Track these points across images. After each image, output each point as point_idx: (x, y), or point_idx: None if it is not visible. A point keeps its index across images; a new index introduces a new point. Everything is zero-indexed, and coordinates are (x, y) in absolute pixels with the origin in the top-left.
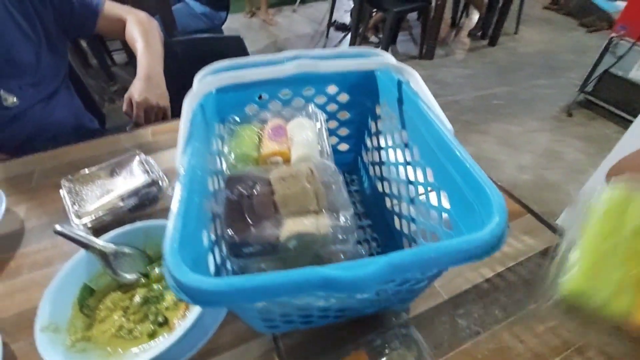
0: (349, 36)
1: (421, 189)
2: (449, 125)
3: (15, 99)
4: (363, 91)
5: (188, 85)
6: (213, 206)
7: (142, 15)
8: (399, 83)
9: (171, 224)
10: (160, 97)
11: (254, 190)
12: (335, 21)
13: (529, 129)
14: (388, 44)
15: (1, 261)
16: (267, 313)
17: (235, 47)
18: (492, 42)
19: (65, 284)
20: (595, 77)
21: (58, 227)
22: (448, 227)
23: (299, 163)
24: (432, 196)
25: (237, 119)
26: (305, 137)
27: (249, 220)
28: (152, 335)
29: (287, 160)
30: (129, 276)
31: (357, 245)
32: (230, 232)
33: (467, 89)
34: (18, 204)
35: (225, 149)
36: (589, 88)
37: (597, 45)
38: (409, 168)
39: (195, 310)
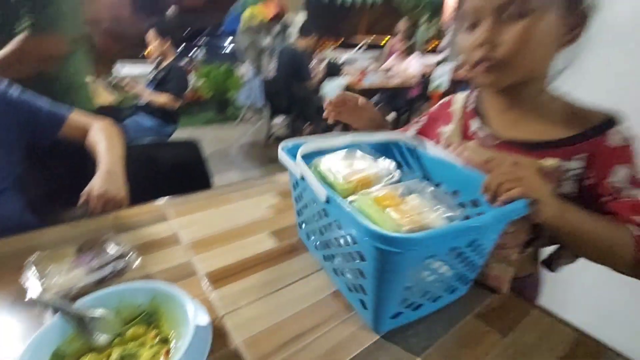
0: None
1: None
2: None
3: None
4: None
5: (142, 188)
6: None
7: (107, 121)
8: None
9: None
10: (120, 189)
11: None
12: (272, 134)
13: None
14: None
15: None
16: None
17: (190, 151)
18: None
19: (35, 354)
20: None
21: (31, 295)
22: None
23: None
24: None
25: None
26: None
27: None
28: None
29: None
30: (104, 338)
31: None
32: None
33: None
34: None
35: None
36: None
37: None
38: None
39: None
